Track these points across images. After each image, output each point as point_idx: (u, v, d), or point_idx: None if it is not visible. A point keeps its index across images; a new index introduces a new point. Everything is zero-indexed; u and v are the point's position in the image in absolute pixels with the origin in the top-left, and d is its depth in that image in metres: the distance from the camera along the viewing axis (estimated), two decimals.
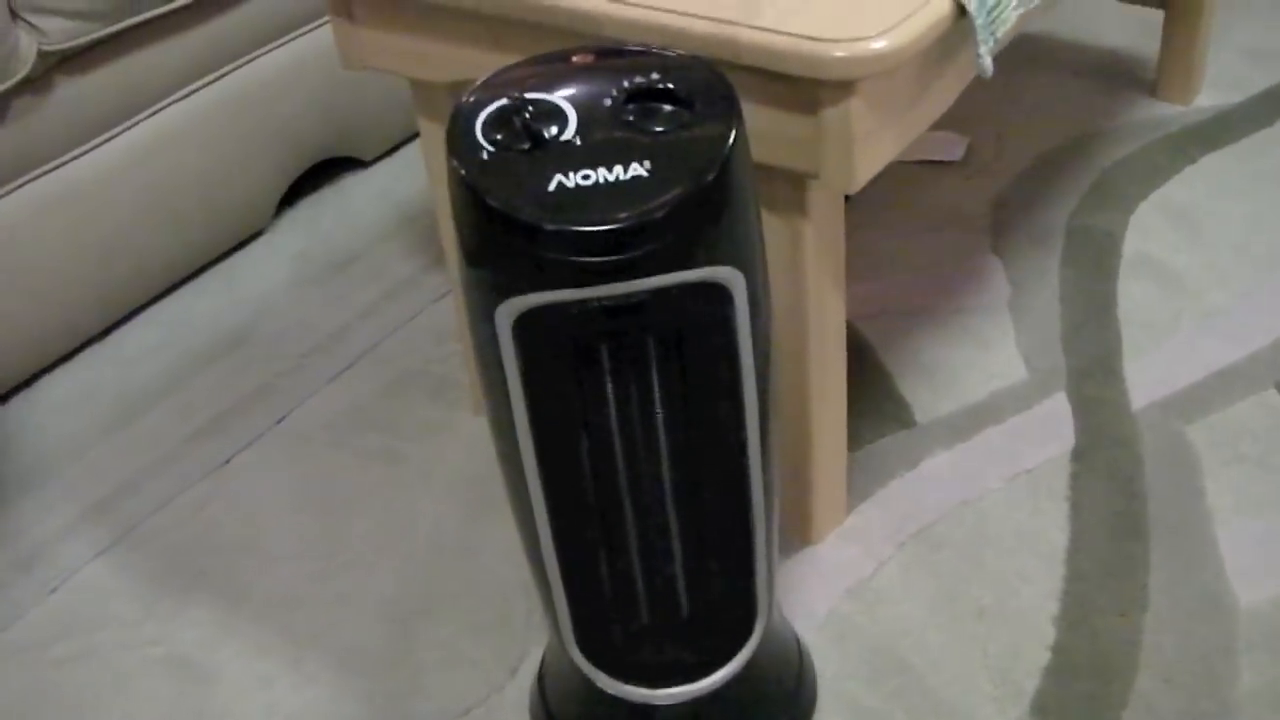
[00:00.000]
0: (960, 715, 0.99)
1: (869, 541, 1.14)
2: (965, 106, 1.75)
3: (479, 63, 1.02)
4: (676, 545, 0.83)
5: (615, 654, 0.90)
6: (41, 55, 1.31)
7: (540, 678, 1.02)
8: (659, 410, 0.77)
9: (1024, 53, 1.86)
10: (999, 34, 0.92)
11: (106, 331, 1.50)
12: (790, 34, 0.83)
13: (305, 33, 1.60)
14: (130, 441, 1.34)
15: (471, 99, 0.74)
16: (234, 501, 1.26)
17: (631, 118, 0.73)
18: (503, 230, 0.70)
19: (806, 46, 0.83)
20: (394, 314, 1.48)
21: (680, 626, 0.88)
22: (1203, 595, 1.06)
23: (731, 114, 0.73)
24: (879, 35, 0.83)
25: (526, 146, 0.72)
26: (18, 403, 1.42)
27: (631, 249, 0.69)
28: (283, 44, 1.58)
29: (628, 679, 0.91)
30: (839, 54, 0.82)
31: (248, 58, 1.54)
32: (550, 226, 0.69)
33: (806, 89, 0.85)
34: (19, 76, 1.30)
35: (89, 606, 1.17)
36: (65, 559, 1.22)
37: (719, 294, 0.73)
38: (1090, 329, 1.35)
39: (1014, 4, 0.94)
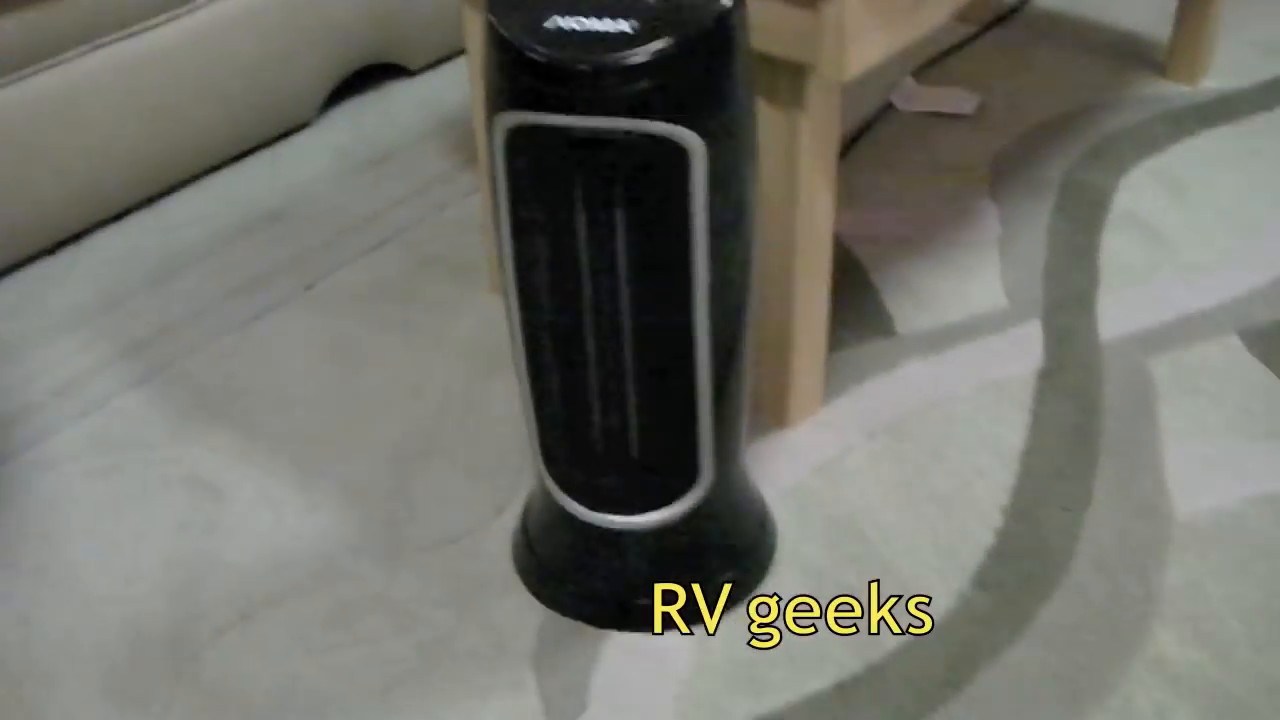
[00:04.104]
0: (907, 581, 1.08)
1: (840, 430, 1.23)
2: (981, 68, 1.83)
3: None
4: (630, 389, 0.93)
5: (580, 482, 0.99)
6: None
7: (524, 513, 1.11)
8: (619, 254, 0.86)
9: (1041, 27, 1.95)
10: None
11: (154, 199, 1.61)
12: None
13: None
14: (169, 295, 1.45)
15: None
16: (261, 352, 1.36)
17: None
18: (503, 55, 0.81)
19: None
20: (424, 205, 1.58)
21: (631, 464, 0.97)
22: (1143, 502, 1.15)
23: None
24: None
25: None
26: (67, 253, 1.52)
27: (598, 89, 0.79)
28: None
29: (591, 506, 1.00)
30: None
31: None
32: (533, 58, 0.79)
33: None
34: None
35: (118, 430, 1.27)
36: (99, 389, 1.32)
37: (677, 154, 0.83)
38: (1071, 270, 1.43)
39: None
